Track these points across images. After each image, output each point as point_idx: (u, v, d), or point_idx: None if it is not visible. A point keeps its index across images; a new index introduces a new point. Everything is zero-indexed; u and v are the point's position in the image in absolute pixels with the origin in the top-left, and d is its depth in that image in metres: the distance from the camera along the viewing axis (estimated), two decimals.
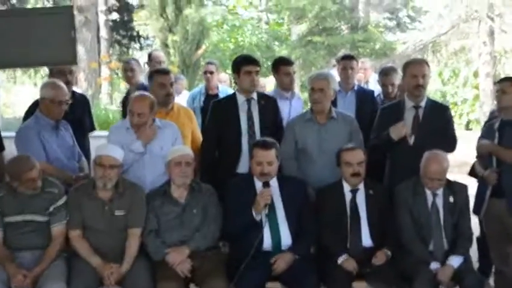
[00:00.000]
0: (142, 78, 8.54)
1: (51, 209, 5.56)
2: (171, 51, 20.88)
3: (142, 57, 24.63)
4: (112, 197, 5.60)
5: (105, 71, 22.97)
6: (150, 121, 6.02)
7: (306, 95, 8.81)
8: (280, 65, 7.34)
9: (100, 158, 5.55)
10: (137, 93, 6.21)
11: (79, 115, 6.96)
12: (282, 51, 25.27)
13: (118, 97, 23.87)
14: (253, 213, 5.54)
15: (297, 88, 14.43)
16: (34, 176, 5.43)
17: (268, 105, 6.47)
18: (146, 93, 6.18)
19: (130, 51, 27.09)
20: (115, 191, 5.60)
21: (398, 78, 7.46)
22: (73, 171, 6.18)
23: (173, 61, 19.82)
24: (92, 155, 6.60)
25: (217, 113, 6.44)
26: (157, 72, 6.72)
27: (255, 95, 6.42)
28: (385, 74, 7.71)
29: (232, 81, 11.02)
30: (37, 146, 5.93)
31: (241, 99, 6.38)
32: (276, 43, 26.25)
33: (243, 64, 6.37)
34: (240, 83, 6.39)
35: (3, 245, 5.51)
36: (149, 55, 9.32)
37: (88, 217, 5.60)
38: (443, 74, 19.64)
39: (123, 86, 22.88)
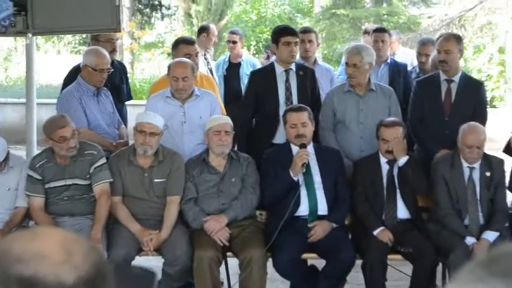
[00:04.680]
0: None
1: (91, 170, 5.57)
2: (194, 21, 20.86)
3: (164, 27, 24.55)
4: (152, 165, 5.62)
5: (127, 40, 22.96)
6: (190, 89, 6.01)
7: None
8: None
9: (141, 125, 5.55)
10: (176, 59, 6.20)
11: (117, 83, 6.97)
12: (305, 24, 25.15)
13: (138, 66, 23.90)
14: (291, 174, 5.54)
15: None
16: (66, 134, 5.40)
17: (306, 76, 6.41)
18: (184, 59, 6.16)
19: (152, 20, 27.02)
20: (154, 159, 5.62)
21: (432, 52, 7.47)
22: (113, 138, 6.21)
23: (196, 31, 19.79)
24: (128, 123, 6.66)
25: (255, 83, 6.43)
26: (184, 42, 6.71)
27: (293, 66, 6.37)
28: (422, 44, 7.74)
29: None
30: (79, 112, 5.97)
31: (279, 69, 6.33)
32: (299, 15, 26.11)
33: (282, 34, 6.32)
34: (279, 53, 6.35)
35: (45, 211, 5.57)
36: (206, 27, 9.28)
37: (128, 184, 5.64)
38: (466, 50, 19.46)
39: (146, 55, 22.90)
